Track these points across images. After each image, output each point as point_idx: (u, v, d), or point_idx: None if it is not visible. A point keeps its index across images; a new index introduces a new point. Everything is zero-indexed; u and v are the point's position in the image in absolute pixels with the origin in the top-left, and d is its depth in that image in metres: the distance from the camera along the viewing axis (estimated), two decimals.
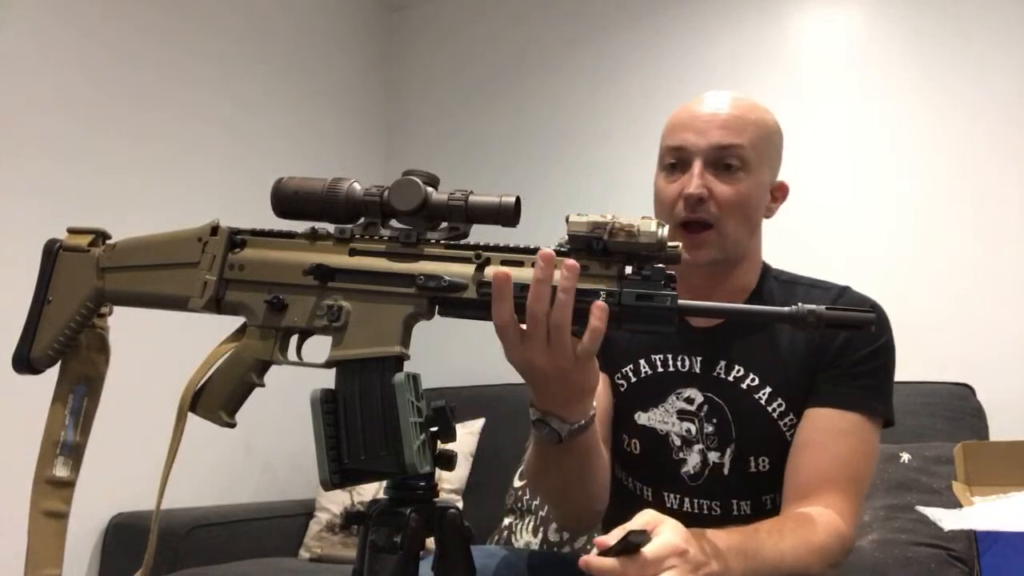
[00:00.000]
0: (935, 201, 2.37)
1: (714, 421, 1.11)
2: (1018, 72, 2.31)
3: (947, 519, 1.30)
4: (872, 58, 2.52)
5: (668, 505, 1.13)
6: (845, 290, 1.14)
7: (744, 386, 1.11)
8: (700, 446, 1.12)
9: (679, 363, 1.15)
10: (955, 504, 1.43)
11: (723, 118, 1.10)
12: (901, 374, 2.23)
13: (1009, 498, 1.31)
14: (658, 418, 1.14)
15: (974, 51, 2.37)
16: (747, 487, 1.11)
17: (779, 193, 1.19)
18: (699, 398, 1.13)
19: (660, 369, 1.16)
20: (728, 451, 1.11)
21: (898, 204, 2.43)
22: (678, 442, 1.13)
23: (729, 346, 1.13)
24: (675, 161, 1.11)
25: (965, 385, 2.05)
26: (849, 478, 1.04)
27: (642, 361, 1.17)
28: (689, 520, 1.08)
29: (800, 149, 2.59)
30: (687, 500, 1.12)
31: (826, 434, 1.06)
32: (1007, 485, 1.38)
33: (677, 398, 1.14)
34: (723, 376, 1.12)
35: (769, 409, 1.09)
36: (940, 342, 2.26)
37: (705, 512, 1.11)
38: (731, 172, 1.09)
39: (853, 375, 1.08)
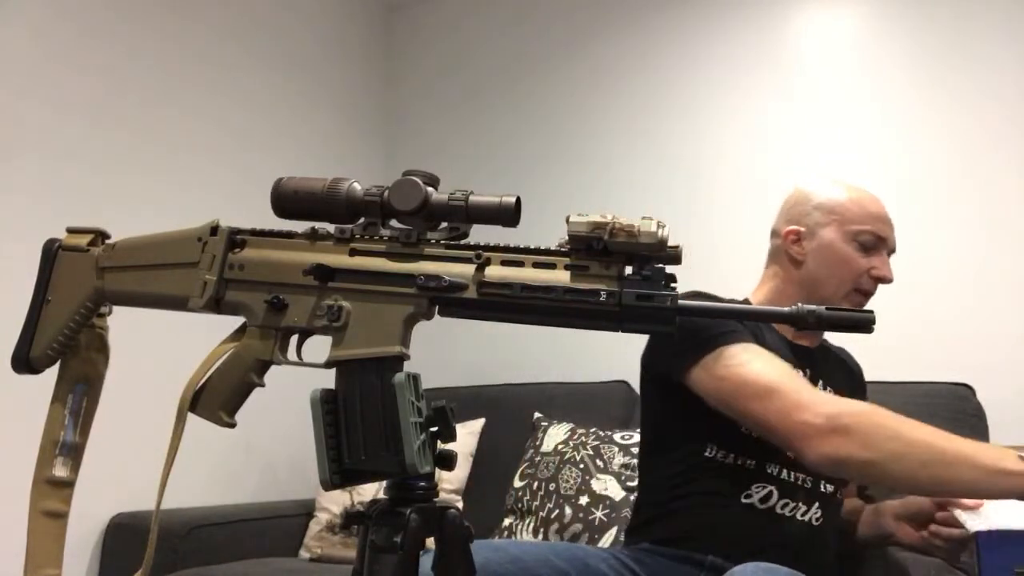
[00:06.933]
0: (936, 201, 2.37)
1: None
2: (1021, 71, 2.31)
3: None
4: (873, 58, 2.52)
5: (769, 471, 1.27)
6: None
7: None
8: None
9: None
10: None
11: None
12: (901, 374, 2.23)
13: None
14: None
15: (977, 50, 2.37)
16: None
17: None
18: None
19: None
20: None
21: (898, 204, 2.40)
22: None
23: (823, 368, 1.38)
24: (871, 242, 1.39)
25: (965, 385, 2.05)
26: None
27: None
28: (784, 487, 1.28)
29: (800, 149, 2.60)
30: (785, 470, 1.28)
31: None
32: None
33: None
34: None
35: None
36: (940, 342, 2.26)
37: (800, 483, 1.28)
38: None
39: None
